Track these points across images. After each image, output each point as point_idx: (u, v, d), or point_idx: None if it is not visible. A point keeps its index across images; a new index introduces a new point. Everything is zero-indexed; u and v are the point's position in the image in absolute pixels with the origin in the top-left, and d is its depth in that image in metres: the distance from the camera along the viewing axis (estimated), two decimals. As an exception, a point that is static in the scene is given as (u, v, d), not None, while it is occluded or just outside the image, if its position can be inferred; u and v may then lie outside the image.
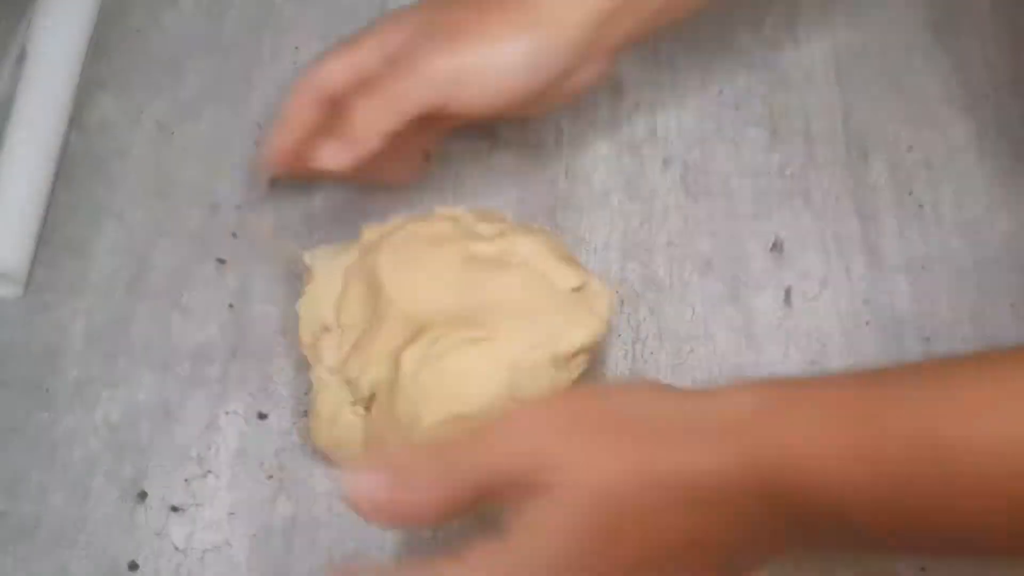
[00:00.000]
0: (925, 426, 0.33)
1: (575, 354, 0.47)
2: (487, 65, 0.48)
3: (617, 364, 0.52)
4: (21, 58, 0.61)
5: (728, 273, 0.55)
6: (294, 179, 0.55)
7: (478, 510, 0.37)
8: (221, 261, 0.56)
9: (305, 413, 0.52)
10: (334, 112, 0.51)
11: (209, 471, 0.50)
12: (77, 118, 0.60)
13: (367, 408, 0.47)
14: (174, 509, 0.49)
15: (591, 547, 0.34)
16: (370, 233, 0.51)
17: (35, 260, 0.56)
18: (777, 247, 0.56)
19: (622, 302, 0.53)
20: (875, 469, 0.33)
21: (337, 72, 0.51)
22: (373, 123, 0.49)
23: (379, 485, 0.36)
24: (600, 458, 0.34)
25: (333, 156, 0.49)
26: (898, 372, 0.37)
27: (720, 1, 0.54)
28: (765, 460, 0.34)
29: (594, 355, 0.49)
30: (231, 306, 0.55)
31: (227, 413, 0.52)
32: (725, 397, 0.36)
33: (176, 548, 0.48)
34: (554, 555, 0.34)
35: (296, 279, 0.55)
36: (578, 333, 0.47)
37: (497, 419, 0.37)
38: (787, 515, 0.35)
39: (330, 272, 0.50)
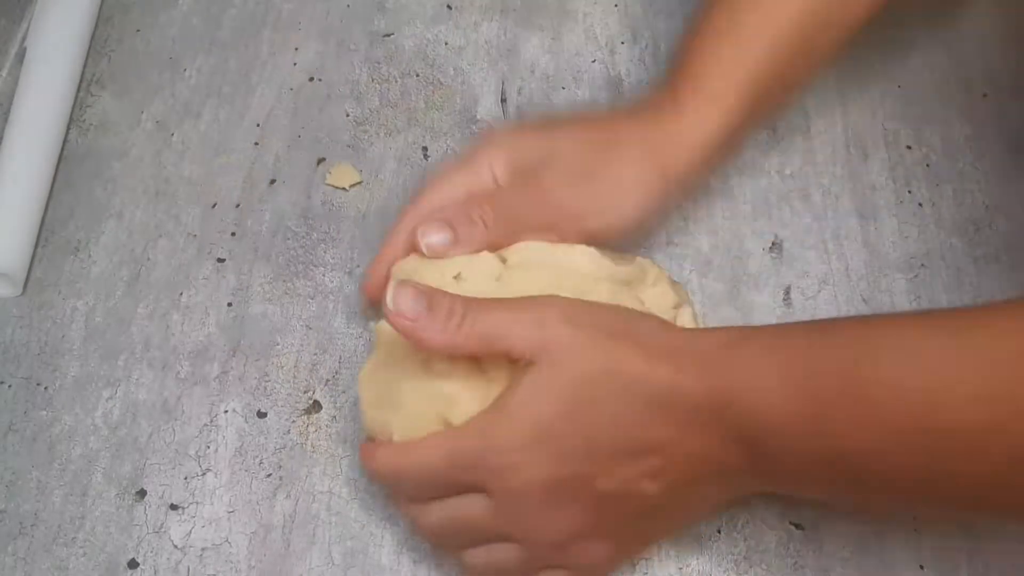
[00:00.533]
0: (850, 367, 0.38)
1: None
2: (614, 212, 0.49)
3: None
4: (21, 57, 0.61)
5: (728, 272, 0.55)
6: None
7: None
8: (220, 260, 0.56)
9: (305, 411, 0.52)
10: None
11: (208, 469, 0.50)
12: (77, 117, 0.61)
13: None
14: (173, 507, 0.49)
15: (568, 418, 0.41)
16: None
17: (34, 259, 0.56)
18: (777, 246, 0.56)
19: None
20: (806, 399, 0.39)
21: (449, 196, 0.50)
22: (482, 232, 0.48)
23: (411, 310, 0.42)
24: (590, 351, 0.41)
25: (426, 234, 0.48)
26: (845, 321, 0.42)
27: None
28: (721, 386, 0.40)
29: None
30: (230, 305, 0.55)
31: (226, 412, 0.52)
32: (701, 335, 0.43)
33: (175, 546, 0.48)
34: (536, 419, 0.41)
35: (295, 277, 0.55)
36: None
37: (519, 297, 0.43)
38: (737, 438, 0.40)
39: None
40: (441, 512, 0.44)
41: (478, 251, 0.48)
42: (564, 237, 0.48)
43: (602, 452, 0.41)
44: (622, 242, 0.50)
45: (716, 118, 0.49)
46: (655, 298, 0.48)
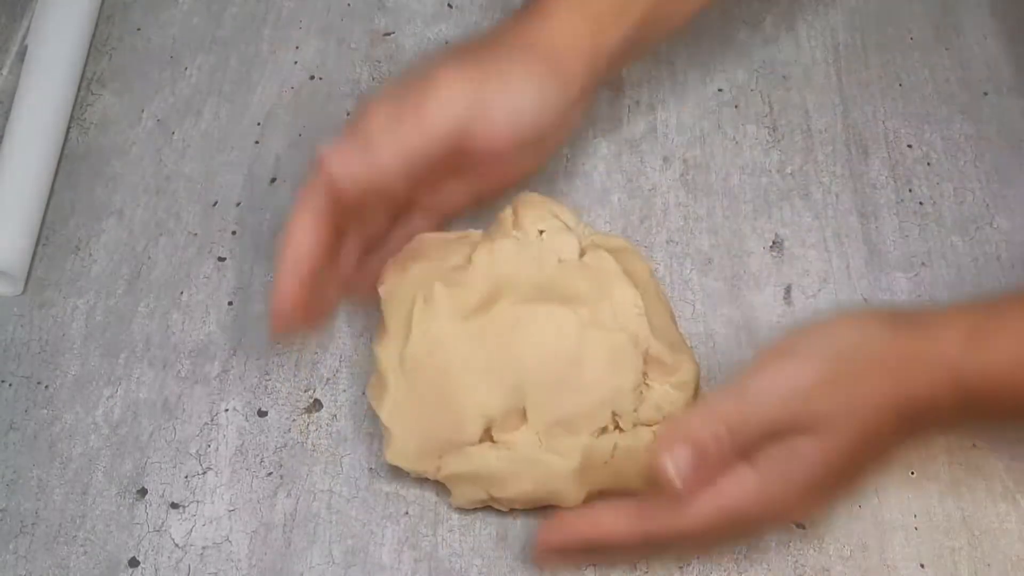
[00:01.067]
0: None
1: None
2: (508, 98, 0.47)
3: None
4: (22, 55, 0.61)
5: (728, 271, 0.55)
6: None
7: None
8: (221, 259, 0.56)
9: (305, 410, 0.52)
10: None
11: (209, 468, 0.50)
12: (78, 115, 0.61)
13: None
14: (174, 506, 0.49)
15: (837, 474, 0.43)
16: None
17: (35, 257, 0.56)
18: (777, 245, 0.56)
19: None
20: None
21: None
22: (399, 140, 0.46)
23: (687, 462, 0.42)
24: (853, 407, 0.42)
25: (344, 161, 0.45)
26: None
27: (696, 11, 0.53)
28: (969, 384, 0.42)
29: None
30: (231, 304, 0.55)
31: (227, 410, 0.52)
32: (935, 329, 0.44)
33: (176, 545, 0.48)
34: (805, 479, 0.43)
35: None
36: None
37: (755, 375, 0.43)
38: (973, 418, 0.45)
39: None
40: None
41: (397, 167, 0.45)
42: (474, 134, 0.46)
43: (868, 469, 0.46)
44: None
45: (589, 24, 0.49)
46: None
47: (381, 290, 0.49)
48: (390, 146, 0.46)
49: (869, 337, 0.44)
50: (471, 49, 0.49)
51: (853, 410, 0.42)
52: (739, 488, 0.43)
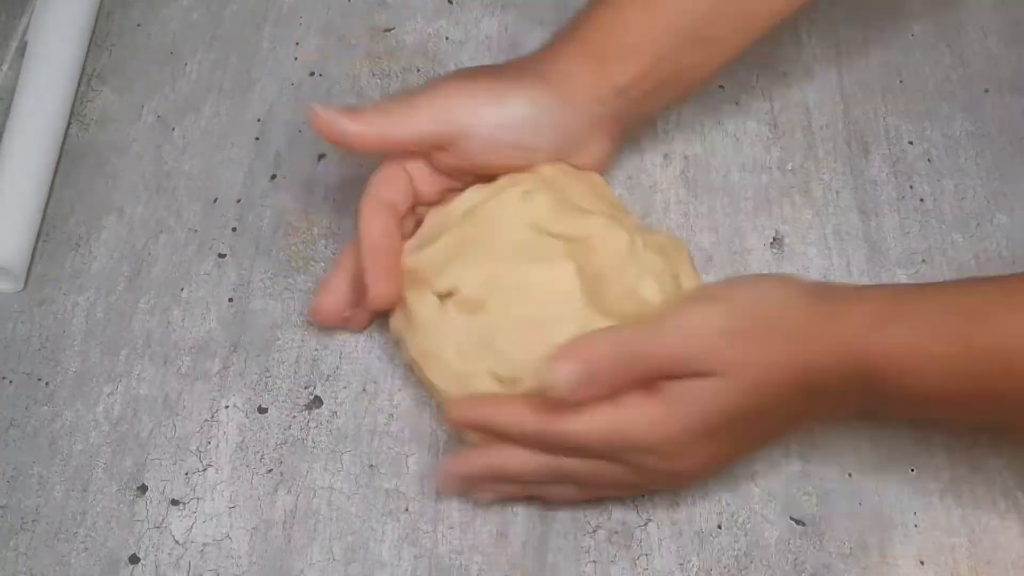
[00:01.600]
0: (1004, 345, 0.42)
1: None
2: (499, 116, 0.50)
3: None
4: (22, 52, 0.61)
5: (729, 268, 0.55)
6: None
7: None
8: (221, 256, 0.56)
9: (305, 407, 0.52)
10: None
11: (209, 465, 0.50)
12: (77, 112, 0.60)
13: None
14: (174, 502, 0.49)
15: (730, 424, 0.44)
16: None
17: (35, 254, 0.56)
18: (778, 242, 0.56)
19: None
20: (965, 379, 0.42)
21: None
22: (383, 122, 0.49)
23: (578, 373, 0.43)
24: (752, 359, 0.43)
25: (329, 116, 0.49)
26: (985, 288, 0.45)
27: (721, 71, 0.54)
28: (873, 363, 0.43)
29: None
30: (231, 301, 0.55)
31: (227, 407, 0.52)
32: (845, 306, 0.44)
33: (176, 541, 0.48)
34: (700, 422, 0.43)
35: (296, 272, 0.55)
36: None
37: (670, 314, 0.44)
38: (876, 402, 0.45)
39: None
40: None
41: (372, 140, 0.49)
42: (458, 144, 0.49)
43: (764, 430, 0.46)
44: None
45: (595, 67, 0.50)
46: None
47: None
48: (372, 124, 0.49)
49: (787, 299, 0.44)
50: (486, 73, 0.51)
51: (753, 362, 0.43)
52: (637, 411, 0.43)
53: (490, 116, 0.49)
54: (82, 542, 0.49)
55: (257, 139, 0.60)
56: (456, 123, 0.49)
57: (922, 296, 0.45)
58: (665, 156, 0.59)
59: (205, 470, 0.50)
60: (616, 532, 0.49)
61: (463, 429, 0.48)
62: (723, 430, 0.44)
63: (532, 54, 0.52)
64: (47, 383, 0.52)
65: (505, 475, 0.47)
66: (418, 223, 0.52)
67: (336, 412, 0.52)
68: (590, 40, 0.51)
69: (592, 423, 0.44)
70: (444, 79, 0.51)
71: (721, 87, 0.61)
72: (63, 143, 0.59)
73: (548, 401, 0.44)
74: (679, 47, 0.51)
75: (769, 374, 0.43)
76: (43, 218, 0.57)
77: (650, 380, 0.43)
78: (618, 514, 0.49)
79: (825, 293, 0.45)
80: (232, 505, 0.49)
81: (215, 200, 0.58)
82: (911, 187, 0.58)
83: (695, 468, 0.46)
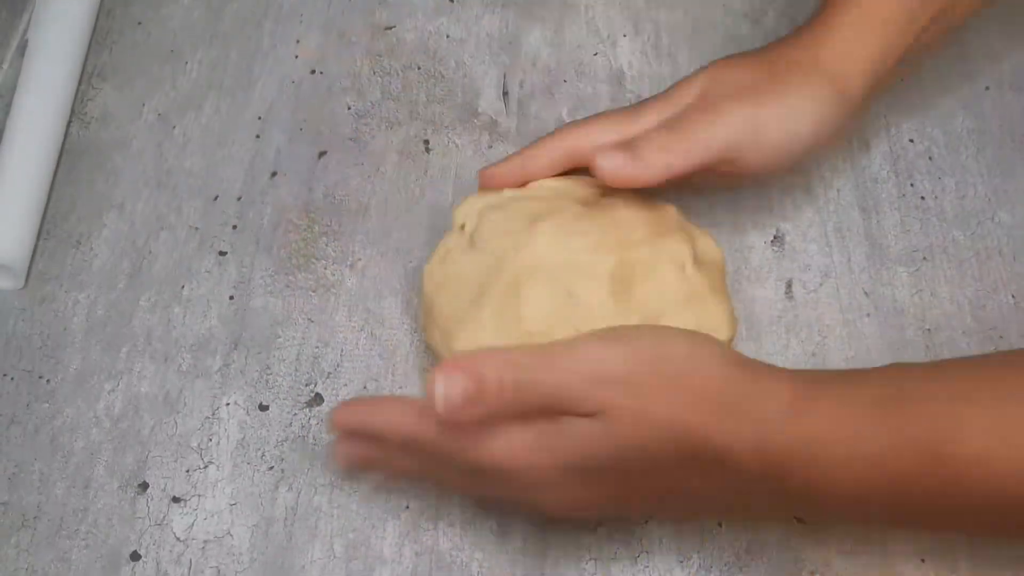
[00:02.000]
0: (934, 439, 0.38)
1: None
2: (784, 121, 0.48)
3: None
4: (22, 50, 0.61)
5: (730, 265, 0.55)
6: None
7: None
8: (222, 253, 0.56)
9: (306, 404, 0.52)
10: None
11: (210, 462, 0.50)
12: (78, 109, 0.61)
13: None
14: (175, 500, 0.49)
15: (601, 470, 0.41)
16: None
17: (36, 251, 0.56)
18: (778, 239, 0.56)
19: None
20: (881, 475, 0.38)
21: (601, 134, 0.49)
22: (666, 156, 0.47)
23: (459, 392, 0.39)
24: (648, 409, 0.40)
25: (614, 165, 0.47)
26: (916, 376, 0.41)
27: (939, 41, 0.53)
28: (782, 460, 0.39)
29: None
30: (232, 298, 0.55)
31: (228, 404, 0.52)
32: (766, 385, 0.41)
33: (177, 538, 0.48)
34: (568, 459, 0.40)
35: (296, 270, 0.55)
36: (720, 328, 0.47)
37: (568, 345, 0.41)
38: (787, 500, 0.41)
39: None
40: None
41: (659, 177, 0.47)
42: (743, 157, 0.48)
43: (642, 489, 0.42)
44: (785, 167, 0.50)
45: (878, 35, 0.48)
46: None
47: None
48: (657, 163, 0.47)
49: (699, 360, 0.41)
50: (751, 67, 0.49)
51: (645, 416, 0.40)
52: (508, 438, 0.40)
53: (775, 124, 0.47)
54: (83, 539, 0.49)
55: (258, 137, 0.60)
56: (739, 140, 0.47)
57: (844, 382, 0.41)
58: (666, 153, 0.59)
59: (206, 467, 0.50)
60: (616, 529, 0.49)
61: (347, 450, 0.46)
62: (594, 474, 0.41)
63: (803, 28, 0.50)
64: (48, 380, 0.52)
65: (383, 434, 0.44)
66: None
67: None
68: (863, 4, 0.48)
69: (462, 447, 0.41)
70: (708, 81, 0.49)
71: (722, 84, 0.61)
72: (64, 141, 0.59)
73: (427, 407, 0.41)
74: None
75: (660, 433, 0.40)
76: (44, 216, 0.57)
77: (530, 410, 0.40)
78: (619, 511, 0.49)
79: (744, 368, 0.41)
80: (233, 502, 0.49)
81: (216, 197, 0.58)
82: (912, 184, 0.58)
83: (564, 505, 0.43)
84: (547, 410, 0.40)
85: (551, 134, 0.51)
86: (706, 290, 0.47)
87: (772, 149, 0.48)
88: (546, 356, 0.41)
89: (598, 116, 0.51)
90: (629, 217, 0.48)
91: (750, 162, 0.48)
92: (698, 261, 0.49)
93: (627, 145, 0.48)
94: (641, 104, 0.51)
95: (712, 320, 0.47)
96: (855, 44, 0.48)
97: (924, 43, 0.51)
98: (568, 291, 0.46)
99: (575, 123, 0.51)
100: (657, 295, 0.47)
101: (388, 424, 0.43)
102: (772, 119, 0.48)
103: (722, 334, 0.47)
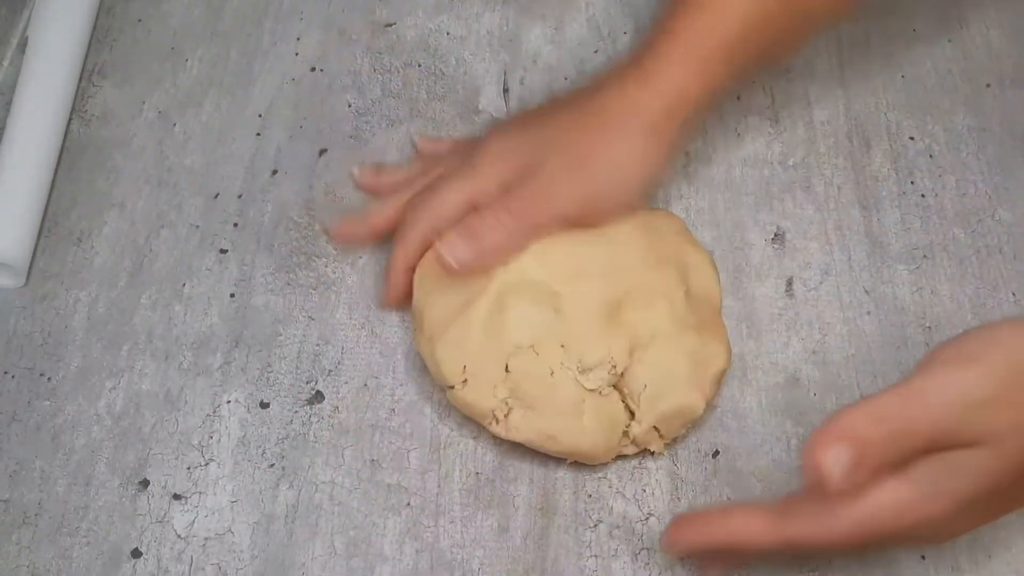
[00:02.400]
0: None
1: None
2: (616, 189, 0.51)
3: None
4: (23, 47, 0.61)
5: (730, 263, 0.55)
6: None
7: None
8: (223, 251, 0.56)
9: (307, 402, 0.52)
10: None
11: (211, 459, 0.50)
12: (79, 107, 0.61)
13: None
14: (176, 497, 0.49)
15: (988, 496, 0.41)
16: None
17: (37, 249, 0.56)
18: (779, 237, 0.56)
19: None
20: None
21: (455, 206, 0.51)
22: (506, 237, 0.49)
23: (847, 460, 0.39)
24: (1016, 425, 0.40)
25: (453, 250, 0.49)
26: None
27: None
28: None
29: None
30: (232, 296, 0.55)
31: (229, 402, 0.52)
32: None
33: (178, 536, 0.49)
34: (958, 497, 0.40)
35: (297, 268, 0.55)
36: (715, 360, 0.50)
37: (922, 380, 0.40)
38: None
39: None
40: None
41: (502, 260, 0.49)
42: (581, 222, 0.50)
43: (1008, 504, 0.43)
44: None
45: (698, 72, 0.50)
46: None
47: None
48: (496, 240, 0.50)
49: None
50: (577, 125, 0.51)
51: (1016, 429, 0.39)
52: (893, 499, 0.40)
53: (607, 192, 0.50)
54: (84, 536, 0.49)
55: (258, 134, 0.60)
56: (577, 213, 0.50)
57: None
58: (666, 151, 0.59)
59: (207, 465, 0.50)
60: (617, 527, 0.49)
61: (680, 553, 0.46)
62: (981, 502, 0.41)
63: (633, 59, 0.52)
64: (49, 378, 0.52)
65: (740, 550, 0.45)
66: None
67: (338, 407, 0.52)
68: (688, 40, 0.51)
69: (845, 526, 0.41)
70: (546, 173, 0.50)
71: (722, 82, 0.61)
72: (64, 139, 0.59)
73: (783, 510, 0.42)
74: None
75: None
76: (45, 214, 0.57)
77: (911, 456, 0.40)
78: (619, 508, 0.49)
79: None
80: (234, 499, 0.49)
81: (216, 195, 0.58)
82: (912, 182, 0.58)
83: (955, 533, 0.44)
84: (925, 451, 0.40)
85: (407, 226, 0.52)
86: (692, 327, 0.49)
87: (607, 211, 0.51)
88: (910, 398, 0.40)
89: (446, 191, 0.52)
90: (624, 238, 0.50)
91: (591, 222, 0.51)
92: (690, 296, 0.50)
93: (469, 229, 0.49)
94: (477, 160, 0.52)
95: (704, 351, 0.49)
96: (680, 77, 0.50)
97: (750, 72, 0.53)
98: (555, 308, 0.48)
99: (427, 205, 0.52)
100: (645, 323, 0.49)
101: (748, 540, 0.43)
102: (606, 192, 0.50)
103: (714, 367, 0.49)
